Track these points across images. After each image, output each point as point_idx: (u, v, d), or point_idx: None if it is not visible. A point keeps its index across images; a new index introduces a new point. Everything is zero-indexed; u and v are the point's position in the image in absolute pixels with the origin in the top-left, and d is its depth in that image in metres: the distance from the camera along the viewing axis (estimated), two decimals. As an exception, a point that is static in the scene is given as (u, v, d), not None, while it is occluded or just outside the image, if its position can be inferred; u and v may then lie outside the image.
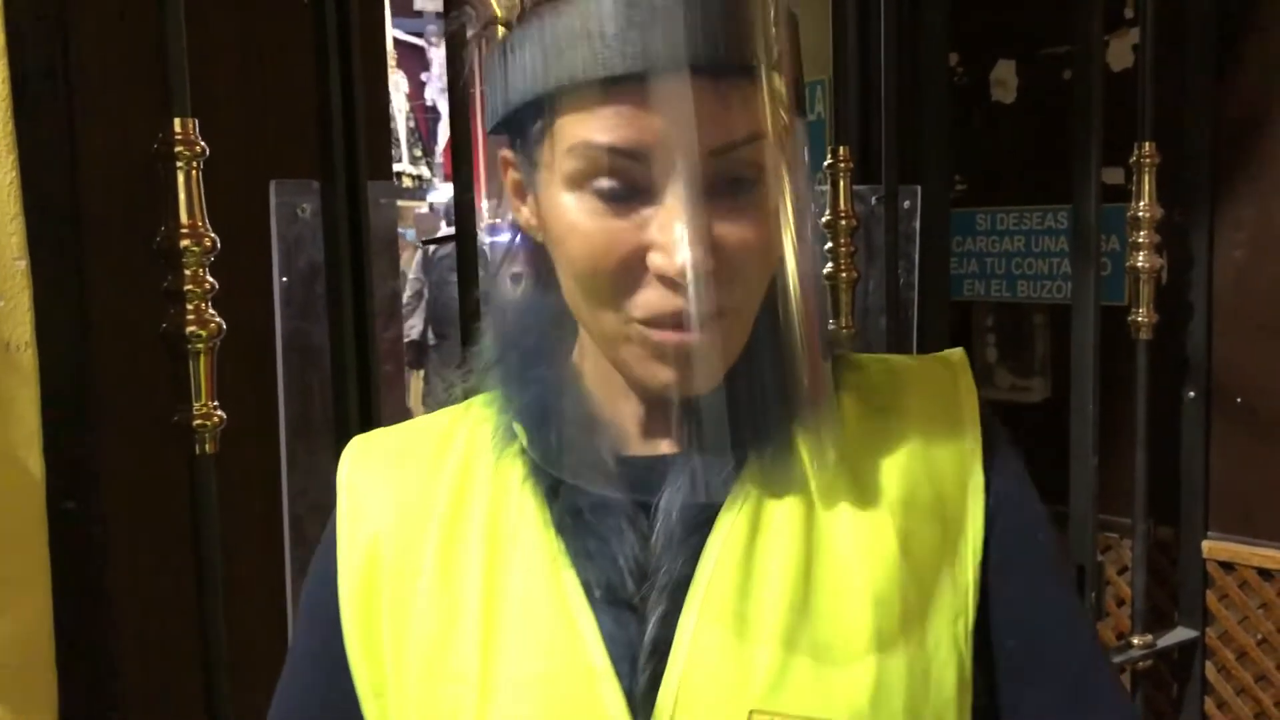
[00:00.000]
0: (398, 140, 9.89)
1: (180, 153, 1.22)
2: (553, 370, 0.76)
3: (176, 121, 1.22)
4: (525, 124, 0.69)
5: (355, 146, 1.33)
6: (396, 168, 9.89)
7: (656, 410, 0.74)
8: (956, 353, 0.82)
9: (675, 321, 0.65)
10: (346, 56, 1.33)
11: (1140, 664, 2.27)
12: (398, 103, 10.05)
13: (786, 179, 0.68)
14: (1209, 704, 2.35)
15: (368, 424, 1.34)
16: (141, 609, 1.51)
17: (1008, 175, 2.57)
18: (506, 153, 0.74)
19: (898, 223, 2.02)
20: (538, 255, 0.76)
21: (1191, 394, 2.30)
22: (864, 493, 0.73)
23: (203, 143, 1.23)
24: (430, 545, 0.74)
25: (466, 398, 0.82)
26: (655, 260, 0.64)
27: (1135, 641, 2.25)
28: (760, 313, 0.71)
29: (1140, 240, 2.14)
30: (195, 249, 1.22)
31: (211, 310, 1.23)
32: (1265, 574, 2.23)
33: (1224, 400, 2.28)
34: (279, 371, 1.32)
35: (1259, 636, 2.26)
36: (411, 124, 10.19)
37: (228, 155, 1.52)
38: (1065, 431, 2.10)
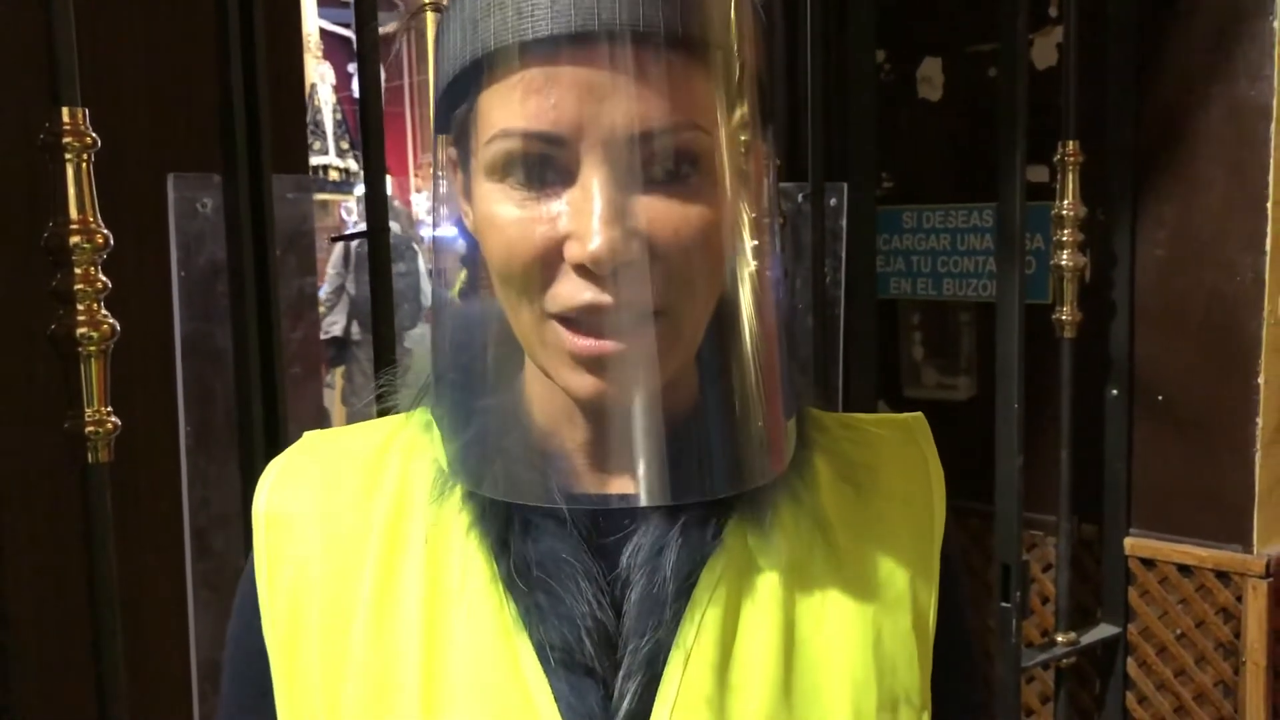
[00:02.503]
0: (323, 133, 9.73)
1: (69, 144, 1.15)
2: (497, 396, 0.68)
3: (65, 111, 1.15)
4: (455, 111, 0.64)
5: (259, 138, 1.27)
6: (323, 160, 9.72)
7: (605, 438, 0.66)
8: (918, 421, 0.78)
9: (594, 323, 0.59)
10: (249, 44, 1.27)
11: (1064, 661, 2.28)
12: (324, 94, 9.88)
13: (733, 176, 0.61)
14: (1130, 699, 2.37)
15: (274, 430, 1.28)
16: (38, 623, 1.44)
17: (934, 173, 2.57)
18: (450, 150, 0.68)
19: (824, 221, 2.00)
20: (484, 262, 0.68)
21: (1114, 392, 2.31)
22: (841, 571, 0.68)
23: (94, 134, 1.16)
24: (363, 596, 0.67)
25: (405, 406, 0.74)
26: (571, 250, 0.58)
27: (1059, 639, 2.26)
28: (721, 343, 0.65)
29: (1064, 239, 2.15)
30: (86, 246, 1.16)
31: (104, 311, 1.17)
32: (1184, 569, 2.26)
33: (1146, 398, 2.30)
34: (178, 375, 1.26)
35: (1178, 632, 2.28)
36: (338, 116, 10.02)
37: (128, 147, 1.45)
38: (991, 429, 2.10)
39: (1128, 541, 2.33)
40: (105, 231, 1.16)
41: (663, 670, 0.63)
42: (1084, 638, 2.30)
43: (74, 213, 1.15)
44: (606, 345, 0.59)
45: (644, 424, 0.61)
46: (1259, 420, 2.15)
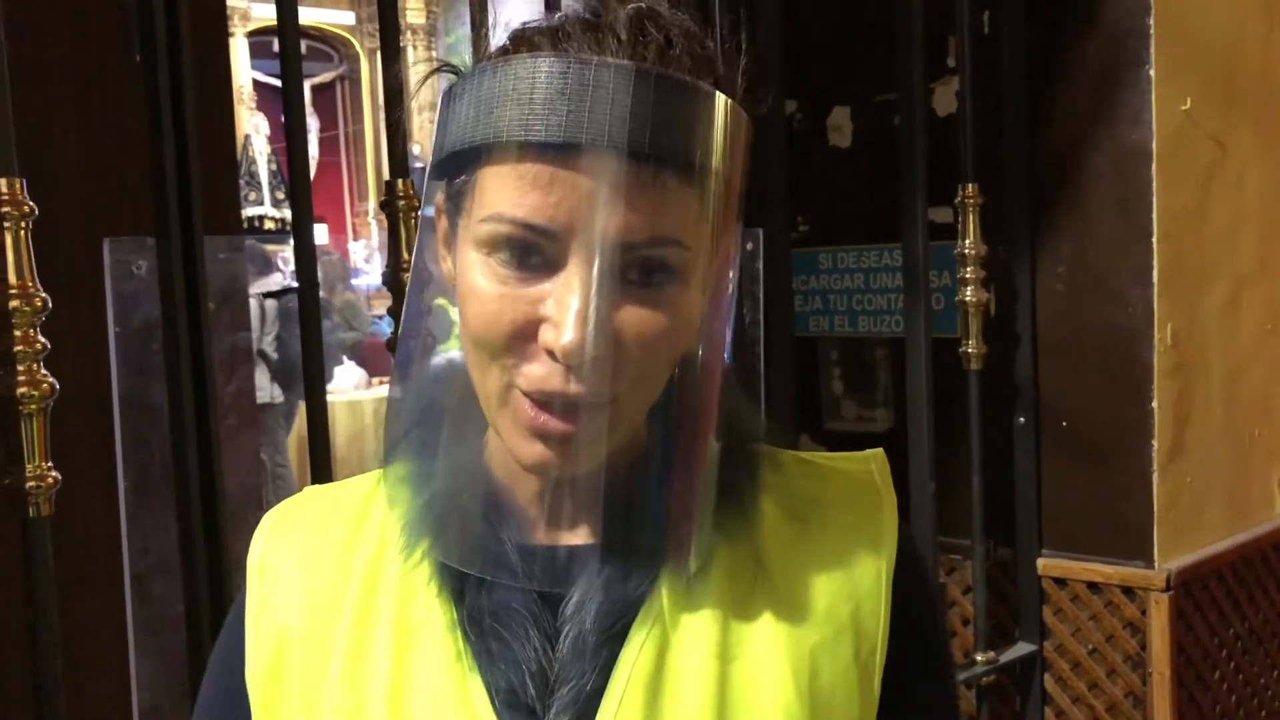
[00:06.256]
0: (259, 183, 9.74)
1: (8, 213, 1.21)
2: (460, 451, 0.74)
3: (3, 181, 1.21)
4: (454, 174, 0.69)
5: (190, 202, 1.33)
6: (259, 210, 9.74)
7: (555, 494, 0.72)
8: (878, 458, 0.82)
9: (553, 406, 0.65)
10: (179, 111, 1.34)
11: (984, 679, 2.38)
12: (258, 145, 9.92)
13: (705, 284, 0.68)
14: (1049, 713, 2.47)
15: (209, 481, 1.34)
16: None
17: (846, 216, 2.69)
18: (440, 199, 0.73)
19: (741, 265, 2.10)
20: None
21: (1022, 420, 2.43)
22: (780, 607, 0.72)
23: (31, 203, 1.22)
24: (339, 641, 0.73)
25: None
26: (545, 335, 0.64)
27: (979, 658, 2.36)
28: (663, 408, 0.71)
29: (967, 276, 2.27)
30: (25, 309, 1.21)
31: (44, 371, 1.22)
32: (1094, 587, 2.37)
33: (1051, 425, 2.42)
34: (116, 429, 1.31)
35: (1090, 647, 2.39)
36: (273, 166, 10.04)
37: (65, 212, 1.51)
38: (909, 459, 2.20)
39: (1040, 562, 2.44)
40: (44, 295, 1.22)
41: (593, 714, 0.68)
42: (1002, 656, 2.40)
43: (13, 278, 1.21)
44: (560, 426, 0.65)
45: (586, 491, 0.69)
46: (1155, 443, 2.27)
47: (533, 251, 0.64)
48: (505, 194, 0.64)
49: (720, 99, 0.66)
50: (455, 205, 0.69)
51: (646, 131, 0.62)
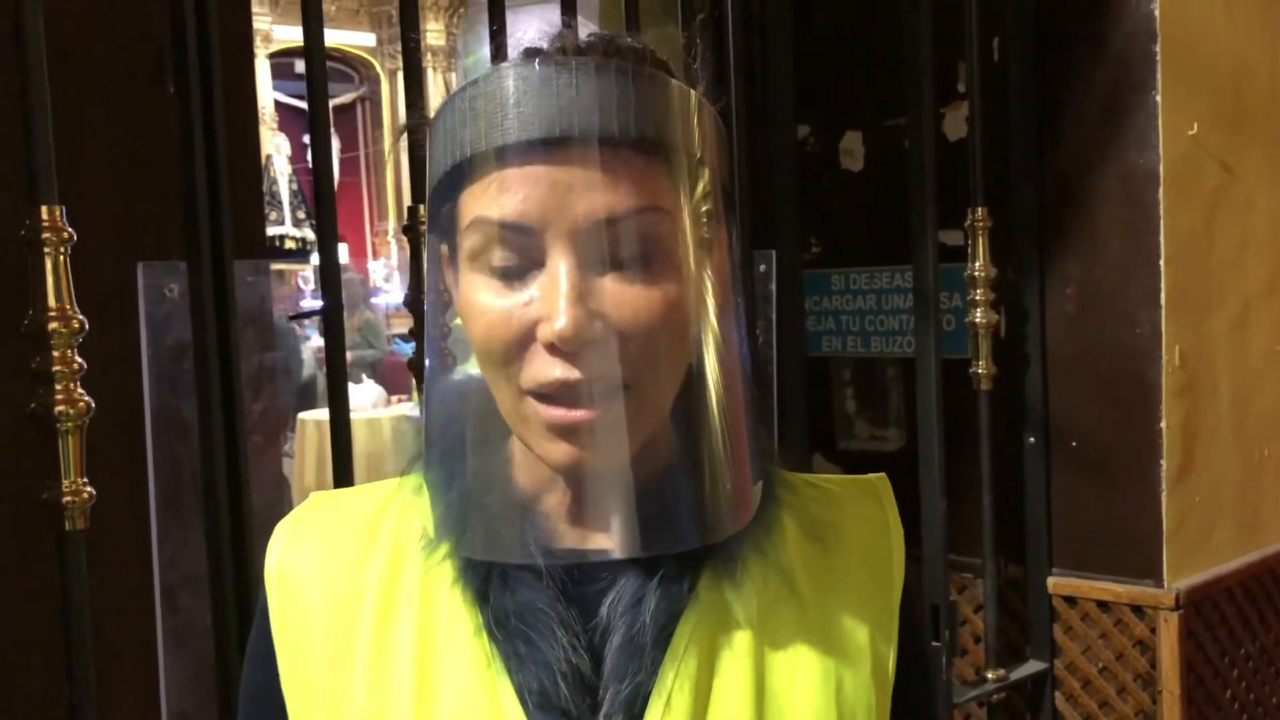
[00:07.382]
0: (279, 203, 9.84)
1: (47, 239, 1.26)
2: (483, 459, 0.74)
3: (43, 209, 1.26)
4: (441, 205, 0.71)
5: (220, 229, 1.39)
6: (279, 230, 9.84)
7: (582, 499, 0.72)
8: (882, 482, 0.84)
9: (565, 396, 0.65)
10: (211, 142, 1.39)
11: (995, 697, 2.40)
12: (280, 165, 10.03)
13: (695, 261, 0.68)
14: (1059, 731, 2.49)
15: (237, 496, 1.39)
16: (10, 687, 1.52)
17: (858, 238, 2.73)
18: (442, 246, 0.74)
19: (754, 285, 2.14)
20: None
21: (1031, 439, 2.46)
22: (806, 623, 0.74)
23: (70, 229, 1.27)
24: (360, 649, 0.73)
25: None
26: (543, 332, 0.65)
27: (989, 676, 2.38)
28: (690, 409, 0.71)
29: (977, 298, 2.30)
30: (63, 331, 1.26)
31: (80, 390, 1.27)
32: (1103, 605, 2.39)
33: (1061, 445, 2.45)
34: (148, 446, 1.36)
35: (1100, 665, 2.41)
36: (294, 186, 10.16)
37: (98, 236, 1.56)
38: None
39: (1050, 580, 2.46)
40: (81, 317, 1.27)
41: (641, 714, 0.68)
42: (1013, 674, 2.43)
43: (52, 301, 1.26)
44: (577, 415, 0.66)
45: (617, 486, 0.68)
46: (1164, 462, 2.30)
47: (518, 254, 0.66)
48: (480, 204, 0.67)
49: (669, 80, 0.69)
50: (449, 230, 0.72)
51: (598, 113, 0.65)
